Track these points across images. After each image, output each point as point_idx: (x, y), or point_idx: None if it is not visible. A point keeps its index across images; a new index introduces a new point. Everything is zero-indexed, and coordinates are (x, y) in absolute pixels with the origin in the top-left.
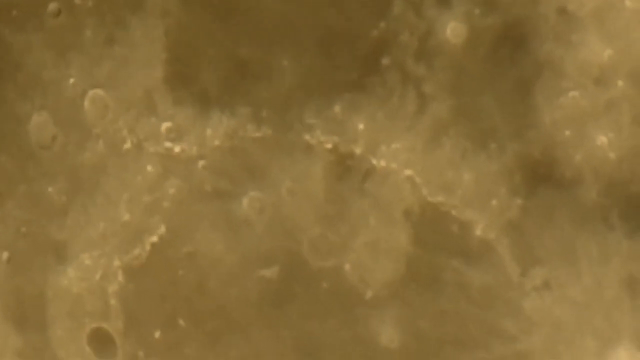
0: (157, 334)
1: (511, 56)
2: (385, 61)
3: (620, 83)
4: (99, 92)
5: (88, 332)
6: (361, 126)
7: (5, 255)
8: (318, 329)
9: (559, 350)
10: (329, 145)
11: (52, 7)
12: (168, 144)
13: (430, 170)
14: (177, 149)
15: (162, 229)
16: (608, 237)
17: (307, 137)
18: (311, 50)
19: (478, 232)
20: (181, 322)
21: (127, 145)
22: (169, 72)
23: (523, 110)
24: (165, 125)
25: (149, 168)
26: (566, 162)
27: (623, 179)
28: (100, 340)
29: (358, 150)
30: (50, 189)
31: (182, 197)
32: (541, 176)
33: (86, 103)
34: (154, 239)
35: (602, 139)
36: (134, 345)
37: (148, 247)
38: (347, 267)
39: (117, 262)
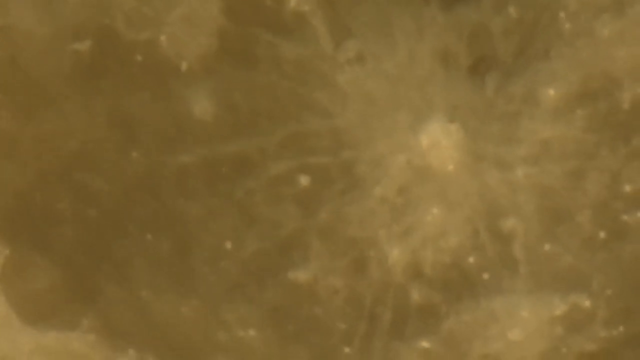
0: None
1: None
2: None
3: None
4: None
5: None
6: None
7: None
8: (132, 102)
9: (372, 124)
10: None
11: None
12: None
13: None
14: None
15: None
16: (423, 10)
17: None
18: None
19: (292, 3)
20: None
21: None
22: None
23: None
24: None
25: None
26: None
27: None
28: None
29: None
30: None
31: None
32: None
33: None
34: None
35: None
36: None
37: None
38: (161, 39)
39: None
